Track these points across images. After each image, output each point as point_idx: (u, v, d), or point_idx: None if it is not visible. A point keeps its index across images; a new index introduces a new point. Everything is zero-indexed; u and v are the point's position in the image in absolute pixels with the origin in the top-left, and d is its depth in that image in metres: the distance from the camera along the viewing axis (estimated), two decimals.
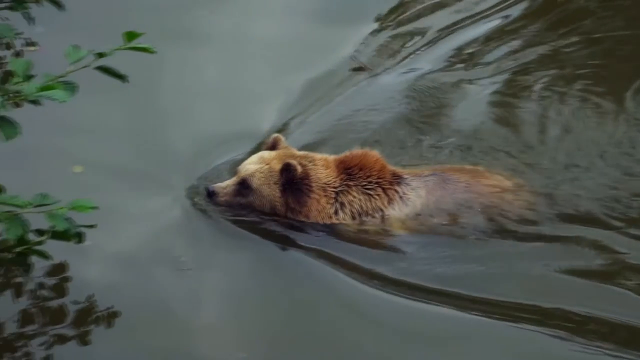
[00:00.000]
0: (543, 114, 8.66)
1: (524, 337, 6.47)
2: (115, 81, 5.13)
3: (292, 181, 7.27)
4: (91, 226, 6.69)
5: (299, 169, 7.23)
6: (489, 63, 9.59)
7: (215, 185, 7.40)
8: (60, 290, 6.72)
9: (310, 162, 7.37)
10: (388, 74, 9.45)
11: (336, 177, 7.35)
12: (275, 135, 7.58)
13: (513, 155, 8.07)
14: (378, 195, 7.33)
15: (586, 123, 8.52)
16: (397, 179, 7.38)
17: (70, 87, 4.73)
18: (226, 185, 7.39)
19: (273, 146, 7.50)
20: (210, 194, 7.33)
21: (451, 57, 9.74)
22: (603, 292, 6.81)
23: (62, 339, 6.37)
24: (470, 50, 9.83)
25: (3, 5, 5.73)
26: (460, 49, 9.85)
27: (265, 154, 7.42)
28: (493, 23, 10.26)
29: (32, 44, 8.70)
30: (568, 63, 9.46)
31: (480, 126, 8.53)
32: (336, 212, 7.32)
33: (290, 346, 6.49)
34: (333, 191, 7.33)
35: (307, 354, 6.44)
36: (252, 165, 7.34)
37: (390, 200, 7.32)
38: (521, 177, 7.71)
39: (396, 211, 7.31)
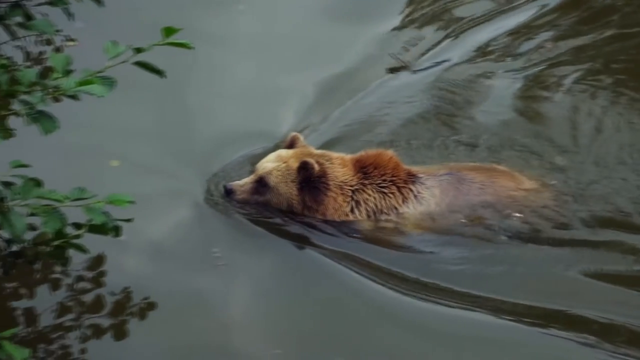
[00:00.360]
0: (574, 110, 8.58)
1: (551, 343, 6.43)
2: (143, 78, 5.19)
3: (310, 179, 7.30)
4: (128, 220, 6.78)
5: (317, 167, 7.28)
6: (519, 55, 9.52)
7: (233, 183, 7.45)
8: (96, 282, 6.81)
9: (327, 160, 7.41)
10: (419, 69, 9.44)
11: (353, 176, 7.39)
12: (294, 133, 7.63)
13: (542, 154, 8.02)
14: (392, 193, 7.37)
15: (619, 119, 8.42)
16: (411, 177, 7.42)
17: (109, 82, 4.77)
18: (244, 183, 7.44)
19: (291, 144, 7.55)
20: (228, 192, 7.38)
21: (479, 50, 9.70)
22: (632, 298, 6.75)
23: (98, 331, 6.46)
24: (497, 45, 9.78)
25: (43, 1, 5.83)
26: (488, 43, 9.81)
27: (283, 152, 7.49)
28: (524, 15, 10.21)
29: (72, 39, 8.80)
30: (600, 57, 9.36)
31: (509, 122, 8.50)
32: (352, 210, 7.36)
33: (320, 343, 6.53)
34: (349, 189, 7.37)
35: (337, 350, 6.47)
36: (269, 164, 7.39)
37: (404, 199, 7.36)
38: (550, 176, 7.67)
39: (410, 210, 7.34)
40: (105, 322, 6.54)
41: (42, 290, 6.68)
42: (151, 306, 6.63)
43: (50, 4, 5.68)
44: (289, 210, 7.39)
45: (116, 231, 5.28)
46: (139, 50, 4.79)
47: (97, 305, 6.64)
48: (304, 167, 7.27)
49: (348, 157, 7.52)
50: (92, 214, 4.99)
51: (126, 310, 6.61)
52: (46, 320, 6.48)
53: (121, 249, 6.97)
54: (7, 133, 4.80)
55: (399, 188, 7.37)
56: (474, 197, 7.36)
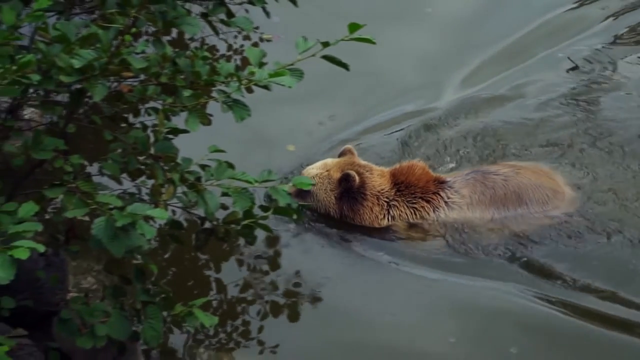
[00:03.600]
0: None
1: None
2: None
3: (349, 190, 7.46)
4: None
5: (357, 179, 7.46)
6: None
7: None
8: (275, 263, 7.23)
9: (367, 171, 7.60)
10: None
11: (390, 189, 7.57)
12: (347, 146, 7.80)
13: None
14: (422, 207, 7.53)
15: None
16: (440, 185, 7.55)
17: (297, 73, 5.10)
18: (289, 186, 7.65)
19: (341, 155, 7.76)
20: (269, 196, 7.52)
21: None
22: None
23: (274, 309, 6.87)
24: None
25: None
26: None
27: (329, 161, 7.72)
28: None
29: (268, 34, 9.25)
30: None
31: None
32: (387, 221, 7.56)
33: None
34: (386, 202, 7.55)
35: None
36: (313, 170, 7.61)
37: (435, 208, 7.49)
38: None
39: (442, 216, 7.51)
40: (281, 301, 6.93)
41: (229, 264, 7.18)
42: (318, 298, 6.98)
43: (250, 2, 6.08)
44: (326, 215, 7.60)
45: (299, 213, 5.63)
46: (326, 45, 5.09)
47: (274, 284, 7.07)
48: (346, 178, 7.48)
49: (387, 170, 7.70)
50: (278, 195, 5.34)
51: (298, 292, 6.99)
52: (232, 292, 6.96)
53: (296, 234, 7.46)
54: (206, 119, 5.16)
55: (428, 201, 7.54)
56: (499, 190, 7.45)
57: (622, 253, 7.24)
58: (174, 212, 5.87)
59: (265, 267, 7.20)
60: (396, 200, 7.59)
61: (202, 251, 7.04)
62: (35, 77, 4.58)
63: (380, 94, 8.97)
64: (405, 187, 7.61)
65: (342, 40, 5.04)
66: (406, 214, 7.58)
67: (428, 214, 7.56)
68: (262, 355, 6.51)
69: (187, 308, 5.39)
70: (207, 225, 5.68)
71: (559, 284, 7.04)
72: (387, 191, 7.59)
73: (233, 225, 5.58)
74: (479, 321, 6.86)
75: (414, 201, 7.59)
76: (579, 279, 7.05)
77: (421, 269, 7.27)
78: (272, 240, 7.36)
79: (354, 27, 4.98)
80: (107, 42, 4.77)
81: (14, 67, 4.47)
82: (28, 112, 6.97)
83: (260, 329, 6.71)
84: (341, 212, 7.61)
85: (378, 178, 7.62)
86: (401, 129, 8.54)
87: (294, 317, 6.87)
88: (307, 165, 7.81)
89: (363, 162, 7.74)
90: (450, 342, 6.68)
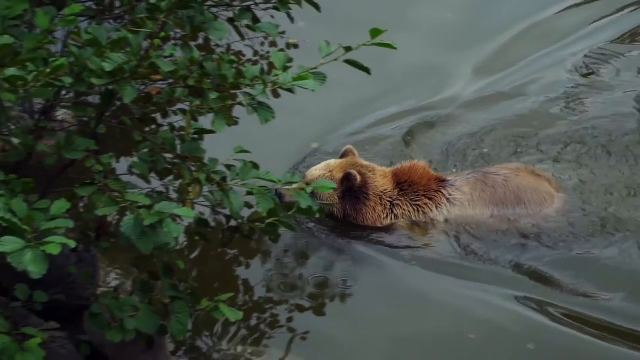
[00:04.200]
0: None
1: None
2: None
3: (351, 189, 7.56)
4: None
5: (359, 178, 7.56)
6: None
7: (283, 188, 7.68)
8: (302, 261, 7.37)
9: (370, 171, 7.70)
10: None
11: (393, 189, 7.68)
12: (348, 146, 7.88)
13: None
14: (425, 204, 7.65)
15: None
16: (442, 183, 7.68)
17: (320, 77, 5.22)
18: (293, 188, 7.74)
19: (343, 156, 7.84)
20: (279, 197, 7.49)
21: None
22: None
23: (300, 308, 6.98)
24: None
25: (270, 5, 6.38)
26: None
27: (332, 162, 7.81)
28: None
29: (294, 39, 9.39)
30: None
31: None
32: (390, 220, 7.66)
33: None
34: (389, 201, 7.65)
35: None
36: (317, 172, 7.68)
37: (438, 205, 7.62)
38: None
39: (444, 213, 7.63)
40: (307, 300, 7.06)
41: (256, 260, 7.32)
42: (347, 295, 7.10)
43: (275, 8, 6.22)
44: (330, 216, 7.69)
45: (320, 214, 5.77)
46: (348, 50, 5.22)
47: (301, 281, 7.20)
48: (347, 178, 7.56)
49: (389, 170, 7.80)
50: (300, 197, 5.48)
51: (326, 289, 7.11)
52: (259, 288, 7.09)
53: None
54: (232, 120, 5.29)
55: (431, 198, 7.67)
56: (499, 189, 7.60)
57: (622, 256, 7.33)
58: (202, 212, 5.99)
59: (290, 263, 7.34)
60: (399, 200, 7.72)
61: (228, 248, 7.17)
62: (68, 80, 4.72)
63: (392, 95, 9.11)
64: (408, 185, 7.74)
65: (364, 45, 5.14)
66: (409, 212, 7.71)
67: (431, 210, 7.69)
68: (289, 348, 6.63)
69: (213, 303, 5.53)
70: (233, 223, 5.81)
71: (564, 283, 7.13)
72: (389, 191, 7.73)
73: (257, 224, 5.72)
74: (495, 317, 6.94)
75: (417, 199, 7.73)
76: (580, 281, 7.15)
77: (432, 266, 7.39)
78: (296, 238, 7.50)
79: (375, 32, 5.09)
80: (137, 46, 4.91)
81: (48, 70, 4.60)
82: (61, 114, 7.14)
83: (289, 320, 6.82)
84: (344, 212, 7.73)
85: (380, 178, 7.75)
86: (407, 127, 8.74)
87: (319, 311, 6.99)
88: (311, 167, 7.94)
89: (365, 163, 7.85)
90: (471, 339, 6.77)
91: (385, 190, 7.72)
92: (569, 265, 7.29)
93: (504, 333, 6.84)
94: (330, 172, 7.69)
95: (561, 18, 10.18)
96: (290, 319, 6.86)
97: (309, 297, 7.05)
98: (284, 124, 6.53)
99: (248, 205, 5.61)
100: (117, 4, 6.05)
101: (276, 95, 5.32)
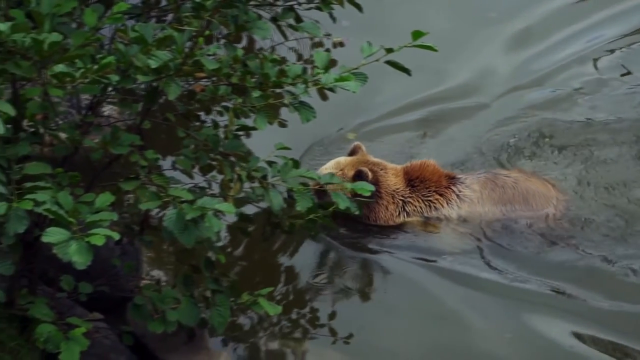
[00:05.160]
0: None
1: None
2: None
3: None
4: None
5: (370, 175, 7.48)
6: None
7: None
8: (341, 258, 7.44)
9: (381, 169, 7.67)
10: None
11: (405, 187, 7.67)
12: (357, 143, 7.85)
13: None
14: (437, 199, 7.67)
15: None
16: (452, 180, 7.73)
17: (362, 77, 5.27)
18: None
19: (352, 153, 7.80)
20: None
21: None
22: None
23: (340, 304, 7.04)
24: None
25: (313, 5, 6.43)
26: None
27: (342, 159, 7.75)
28: None
29: (338, 38, 9.43)
30: None
31: None
32: (402, 218, 7.67)
33: None
34: (401, 200, 7.64)
35: None
36: (327, 170, 7.57)
37: (448, 201, 7.66)
38: None
39: (455, 209, 7.67)
40: (351, 288, 7.14)
41: (297, 255, 7.40)
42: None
43: (318, 8, 6.27)
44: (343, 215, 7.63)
45: (359, 212, 5.84)
46: (389, 51, 5.26)
47: (339, 277, 7.28)
48: (359, 175, 7.47)
49: (400, 167, 7.79)
50: (338, 198, 5.56)
51: (368, 289, 7.18)
52: (299, 283, 7.17)
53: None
54: (274, 118, 5.34)
55: (442, 194, 7.69)
56: (508, 190, 7.64)
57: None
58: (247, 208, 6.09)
59: (330, 260, 7.42)
60: (411, 197, 7.74)
61: (269, 243, 7.25)
62: (114, 78, 4.82)
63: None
64: (420, 182, 7.76)
65: (406, 46, 5.18)
66: (420, 208, 7.73)
67: (442, 206, 7.71)
68: (334, 344, 6.67)
69: (253, 297, 5.64)
70: (273, 219, 5.91)
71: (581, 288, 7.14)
72: (401, 190, 7.74)
73: (298, 220, 5.82)
74: (526, 315, 6.96)
75: (428, 195, 7.75)
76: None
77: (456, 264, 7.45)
78: (336, 235, 7.55)
79: (417, 34, 5.13)
80: (182, 44, 5.00)
81: (95, 67, 4.72)
82: (107, 109, 7.28)
83: (331, 317, 6.85)
84: None
85: (392, 177, 7.74)
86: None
87: (360, 309, 7.05)
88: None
89: (376, 160, 7.83)
90: (507, 338, 6.79)
91: (397, 189, 7.73)
92: (578, 269, 7.29)
93: (541, 331, 6.86)
94: (341, 170, 7.63)
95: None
96: (332, 315, 6.88)
97: (349, 294, 7.11)
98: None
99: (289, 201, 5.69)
100: (164, 2, 6.13)
101: (324, 97, 5.36)
